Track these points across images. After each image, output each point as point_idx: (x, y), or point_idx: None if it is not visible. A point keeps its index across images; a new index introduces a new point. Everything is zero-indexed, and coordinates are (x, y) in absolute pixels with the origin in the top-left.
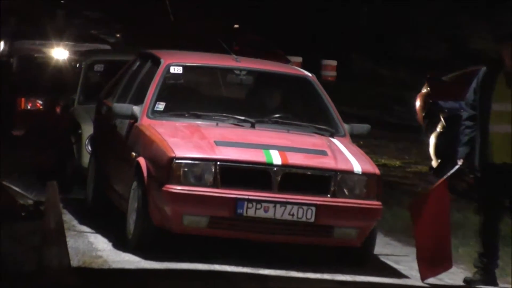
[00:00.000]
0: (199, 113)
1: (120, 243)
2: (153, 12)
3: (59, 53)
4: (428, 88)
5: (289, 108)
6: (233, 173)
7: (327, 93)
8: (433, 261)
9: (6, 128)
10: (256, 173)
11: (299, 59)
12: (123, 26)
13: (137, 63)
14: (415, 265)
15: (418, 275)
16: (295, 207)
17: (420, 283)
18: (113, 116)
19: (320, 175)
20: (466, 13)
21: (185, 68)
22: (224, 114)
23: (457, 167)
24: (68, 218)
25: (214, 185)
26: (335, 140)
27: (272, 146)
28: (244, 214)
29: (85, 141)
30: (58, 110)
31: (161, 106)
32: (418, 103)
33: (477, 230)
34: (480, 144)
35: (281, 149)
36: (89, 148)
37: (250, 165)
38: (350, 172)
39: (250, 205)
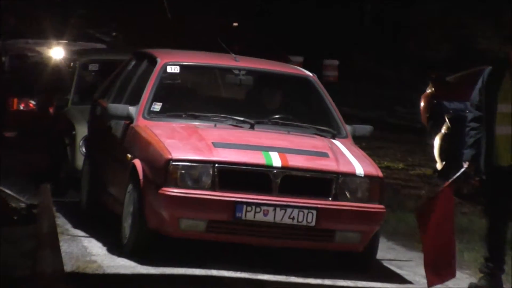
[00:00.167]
0: (196, 114)
1: (115, 248)
2: (150, 10)
3: (53, 52)
4: (433, 89)
5: (289, 108)
6: (232, 176)
7: (329, 94)
8: (439, 267)
9: None
10: (256, 176)
11: (300, 59)
12: (119, 25)
13: (133, 63)
14: (419, 270)
15: (421, 280)
16: (296, 210)
17: None
18: (108, 117)
19: (321, 177)
20: (471, 13)
21: (182, 67)
22: (222, 115)
23: (462, 170)
24: (61, 221)
25: (212, 188)
26: (336, 142)
27: (272, 147)
28: (243, 217)
29: (79, 142)
30: (51, 110)
31: (157, 106)
32: (422, 104)
33: (483, 234)
34: (486, 146)
35: (281, 150)
36: (83, 150)
37: (249, 167)
38: (352, 175)
39: (249, 208)
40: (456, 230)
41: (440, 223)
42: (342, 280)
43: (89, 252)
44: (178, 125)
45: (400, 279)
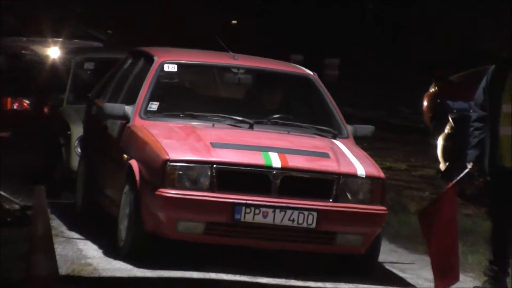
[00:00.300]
0: (194, 114)
1: (111, 250)
2: (149, 9)
3: (48, 51)
4: (436, 88)
5: (289, 108)
6: (230, 177)
7: (330, 93)
8: (443, 271)
9: None
10: (255, 177)
11: (300, 57)
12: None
13: (129, 61)
14: (422, 273)
15: (424, 283)
16: (296, 212)
17: None
18: (104, 117)
19: (322, 178)
20: (473, 11)
21: (180, 66)
22: (221, 115)
23: (466, 170)
24: (56, 224)
25: (210, 189)
26: (337, 142)
27: (272, 148)
28: (242, 219)
29: (75, 142)
30: (46, 110)
31: (154, 106)
32: (425, 104)
33: (487, 236)
34: (490, 146)
35: (281, 151)
36: (79, 150)
37: (248, 168)
38: (354, 176)
39: (248, 210)
40: (460, 232)
41: (443, 225)
42: (343, 284)
43: (85, 254)
44: (176, 125)
45: (403, 282)
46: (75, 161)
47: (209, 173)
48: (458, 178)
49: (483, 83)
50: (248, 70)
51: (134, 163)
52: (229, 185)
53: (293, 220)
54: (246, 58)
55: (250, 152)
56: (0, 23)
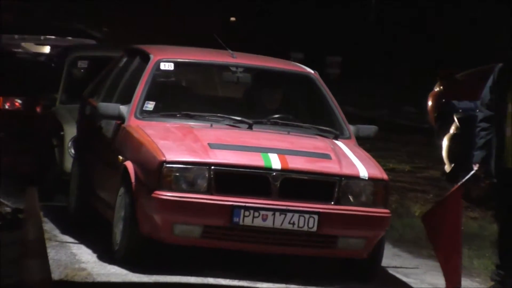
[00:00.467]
0: (192, 114)
1: (106, 255)
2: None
3: (40, 49)
4: (441, 87)
5: (289, 108)
6: (229, 179)
7: (331, 92)
8: (447, 275)
9: None
10: (254, 179)
11: (301, 55)
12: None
13: (125, 59)
14: (426, 278)
15: None
16: (296, 215)
17: None
18: (99, 117)
19: (323, 180)
20: (478, 8)
21: (176, 64)
22: (219, 115)
23: (472, 172)
24: (49, 227)
25: (208, 191)
26: (339, 143)
27: (271, 149)
28: (241, 223)
29: (68, 143)
30: (38, 110)
31: (150, 105)
32: (430, 103)
33: (493, 240)
34: (497, 147)
35: (281, 152)
36: (72, 151)
37: (247, 170)
38: (356, 177)
39: (247, 213)
40: (466, 236)
41: (448, 229)
42: None
43: (78, 259)
44: (172, 125)
45: None
46: (68, 163)
47: (206, 175)
48: (464, 180)
49: (489, 82)
50: (247, 69)
51: (129, 164)
52: (227, 187)
53: (293, 224)
54: (245, 56)
55: (249, 153)
56: (4, 22)
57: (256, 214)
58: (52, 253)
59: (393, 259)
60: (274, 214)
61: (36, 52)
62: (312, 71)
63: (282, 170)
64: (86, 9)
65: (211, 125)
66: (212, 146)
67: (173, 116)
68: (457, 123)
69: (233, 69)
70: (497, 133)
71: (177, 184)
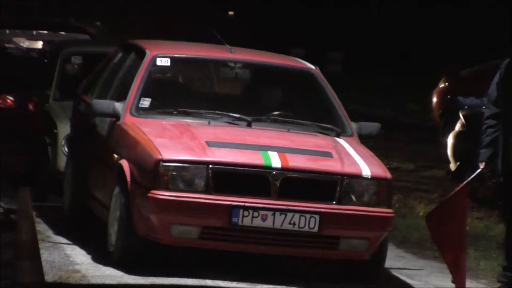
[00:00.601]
0: (189, 111)
1: (101, 256)
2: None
3: (33, 44)
4: (446, 83)
5: (290, 104)
6: (227, 178)
7: (333, 88)
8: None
9: None
10: (253, 178)
11: (301, 51)
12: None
13: (119, 55)
14: (430, 279)
15: None
16: (297, 215)
17: None
18: (93, 114)
19: (324, 179)
20: (482, 4)
21: (173, 60)
22: (217, 112)
23: (478, 171)
24: (42, 228)
25: (206, 191)
26: (341, 141)
27: (271, 147)
28: (240, 223)
29: (62, 142)
30: (31, 107)
31: (146, 102)
32: (434, 100)
33: (500, 241)
34: (503, 145)
35: (281, 150)
36: (66, 149)
37: (246, 169)
38: (358, 176)
39: (246, 213)
40: (472, 237)
41: (453, 229)
42: None
43: (72, 260)
44: (169, 122)
45: None
46: (62, 162)
47: (204, 174)
48: (470, 179)
49: (496, 78)
50: (246, 64)
51: (124, 163)
52: (225, 186)
53: (294, 224)
54: (244, 51)
55: (248, 152)
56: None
57: (256, 214)
58: (46, 255)
59: (396, 260)
60: (274, 214)
61: (28, 47)
62: (313, 67)
63: (282, 169)
64: (78, 3)
65: (209, 123)
66: (210, 144)
67: (170, 113)
68: (463, 120)
69: (232, 64)
70: (504, 130)
71: (174, 183)
